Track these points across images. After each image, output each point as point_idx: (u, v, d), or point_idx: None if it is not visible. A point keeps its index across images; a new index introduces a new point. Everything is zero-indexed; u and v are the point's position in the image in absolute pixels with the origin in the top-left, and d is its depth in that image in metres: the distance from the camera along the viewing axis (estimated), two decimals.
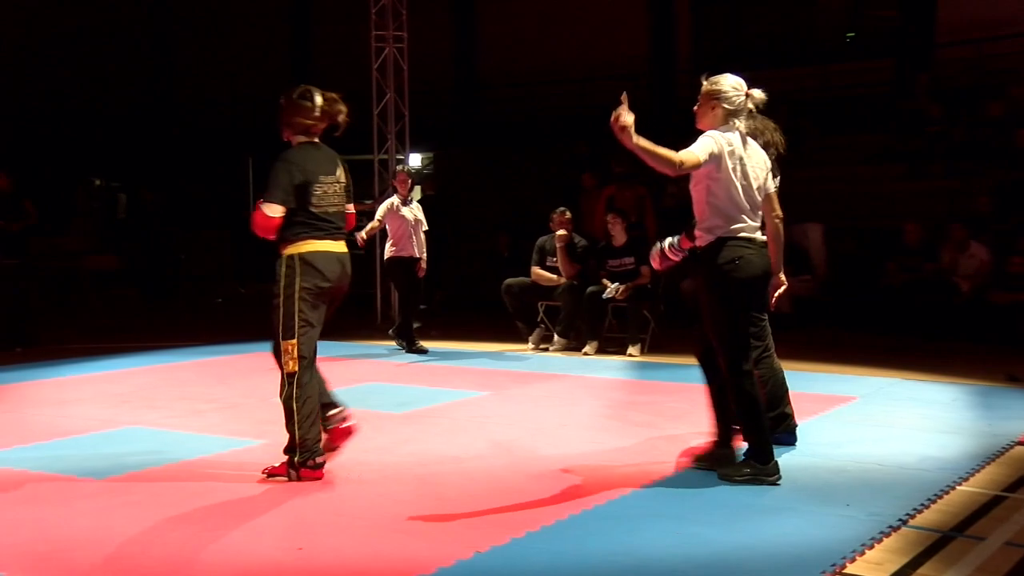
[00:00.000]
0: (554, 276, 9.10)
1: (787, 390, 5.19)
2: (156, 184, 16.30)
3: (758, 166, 4.52)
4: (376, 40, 10.98)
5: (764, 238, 4.53)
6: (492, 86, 17.46)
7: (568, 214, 9.20)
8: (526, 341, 9.18)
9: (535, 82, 16.53)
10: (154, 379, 7.38)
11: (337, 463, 4.76)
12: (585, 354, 8.77)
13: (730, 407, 4.55)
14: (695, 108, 4.59)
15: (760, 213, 4.55)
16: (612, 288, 8.81)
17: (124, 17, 20.27)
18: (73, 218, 17.47)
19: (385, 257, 9.07)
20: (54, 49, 18.87)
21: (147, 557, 3.45)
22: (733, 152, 4.38)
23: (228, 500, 4.16)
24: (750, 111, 4.56)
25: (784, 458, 4.85)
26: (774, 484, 4.32)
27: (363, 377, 7.45)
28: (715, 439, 4.71)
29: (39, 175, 17.63)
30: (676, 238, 4.99)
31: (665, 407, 6.25)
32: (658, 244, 5.11)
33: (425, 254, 8.92)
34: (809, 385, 7.01)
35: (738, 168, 4.38)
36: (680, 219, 12.82)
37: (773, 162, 4.86)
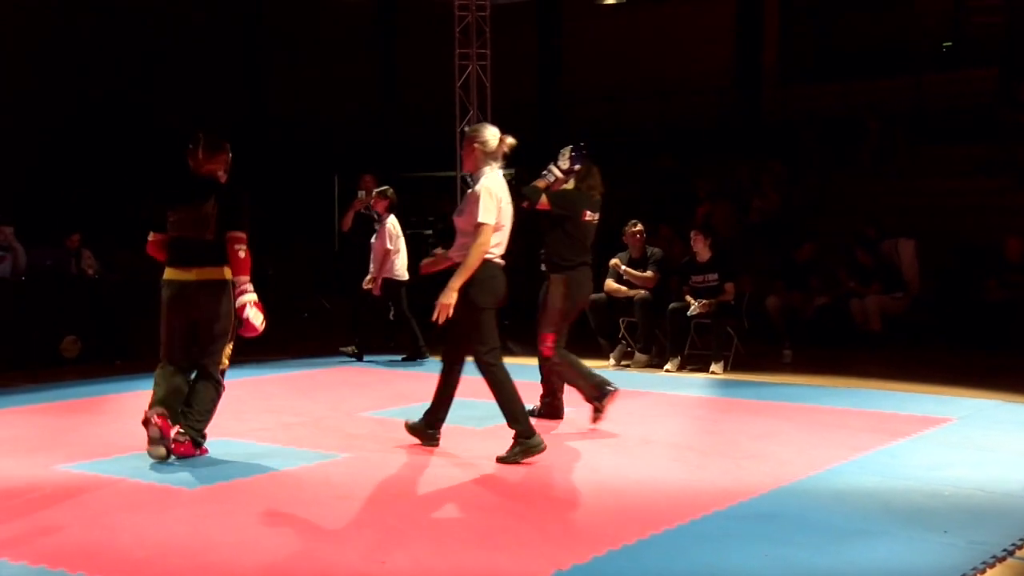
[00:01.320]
0: (625, 288, 8.99)
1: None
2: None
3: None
4: (460, 58, 11.12)
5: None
6: (576, 102, 17.47)
7: (638, 226, 9.09)
8: (608, 357, 9.12)
9: (619, 97, 16.48)
10: (243, 392, 7.56)
11: (420, 478, 4.80)
12: (667, 371, 8.66)
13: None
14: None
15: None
16: (696, 305, 8.69)
17: (218, 39, 20.99)
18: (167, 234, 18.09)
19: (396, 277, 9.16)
20: (150, 69, 19.64)
21: (238, 565, 3.53)
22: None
23: (315, 512, 4.23)
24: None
25: (876, 480, 4.71)
26: (542, 451, 5.04)
27: None
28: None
29: (134, 192, 18.34)
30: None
31: (749, 426, 6.12)
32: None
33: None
34: (901, 405, 6.79)
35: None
36: (765, 233, 12.66)
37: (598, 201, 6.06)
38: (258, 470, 4.95)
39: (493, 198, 5.10)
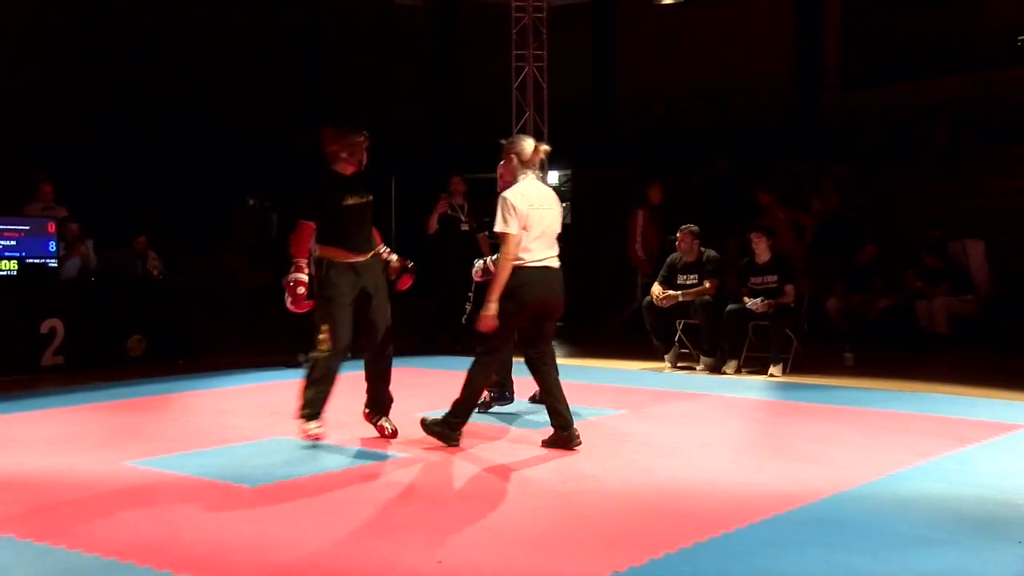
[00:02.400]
0: (673, 292, 8.82)
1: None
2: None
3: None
4: (516, 59, 11.15)
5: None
6: (631, 103, 17.38)
7: (690, 229, 8.92)
8: (662, 359, 9.05)
9: (675, 99, 16.35)
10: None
11: (477, 479, 4.82)
12: (724, 373, 8.56)
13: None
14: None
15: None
16: (757, 300, 8.56)
17: (280, 44, 21.34)
18: (229, 237, 18.47)
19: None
20: (217, 77, 20.04)
21: (298, 563, 3.59)
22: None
23: (372, 510, 4.27)
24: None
25: (943, 487, 4.59)
26: (454, 446, 5.31)
27: None
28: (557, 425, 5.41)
29: (198, 196, 18.74)
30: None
31: (808, 429, 6.02)
32: (481, 261, 6.40)
33: None
34: (969, 410, 6.62)
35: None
36: (824, 234, 12.44)
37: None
38: (316, 468, 5.02)
39: (508, 207, 5.19)
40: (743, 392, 7.57)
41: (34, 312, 8.66)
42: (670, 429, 6.08)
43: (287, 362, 8.92)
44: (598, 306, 13.26)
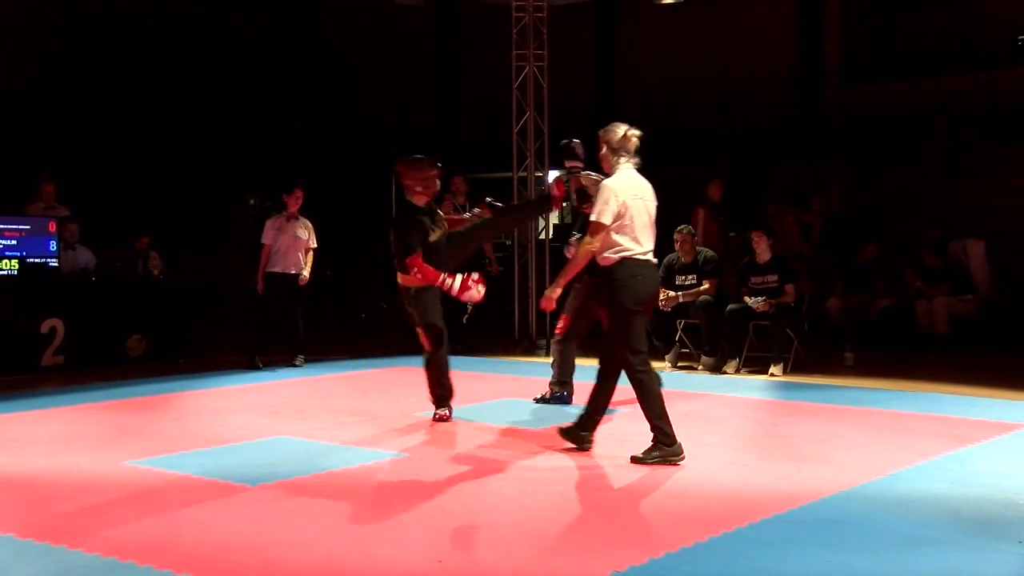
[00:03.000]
0: (671, 293, 8.84)
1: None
2: (308, 204, 17.03)
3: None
4: (517, 59, 11.13)
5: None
6: (632, 103, 17.38)
7: (688, 230, 8.96)
8: (663, 359, 9.05)
9: (676, 98, 16.34)
10: (302, 391, 7.68)
11: (478, 478, 4.82)
12: (725, 373, 8.56)
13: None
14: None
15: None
16: (758, 299, 8.56)
17: (281, 45, 21.35)
18: (230, 237, 18.47)
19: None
20: (218, 77, 20.04)
21: (298, 562, 3.59)
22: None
23: (373, 510, 4.27)
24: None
25: (944, 487, 4.59)
26: (678, 463, 4.96)
27: (500, 393, 7.53)
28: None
29: (199, 196, 18.74)
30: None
31: (809, 429, 6.02)
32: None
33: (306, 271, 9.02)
34: (970, 410, 6.62)
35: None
36: (825, 234, 12.42)
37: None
38: (316, 468, 5.01)
39: (609, 196, 4.96)
40: (744, 392, 7.57)
41: (34, 312, 8.65)
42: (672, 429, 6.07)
43: (250, 364, 8.84)
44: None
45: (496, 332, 10.99)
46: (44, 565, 3.58)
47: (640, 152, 5.19)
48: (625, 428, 6.10)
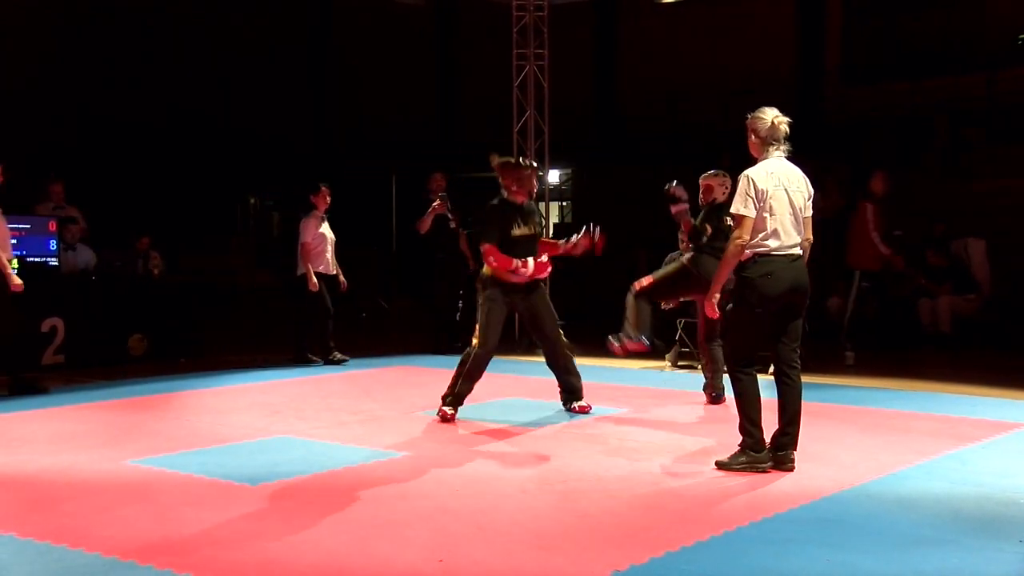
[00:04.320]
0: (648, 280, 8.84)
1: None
2: (308, 204, 17.04)
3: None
4: (517, 58, 11.13)
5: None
6: (633, 102, 17.39)
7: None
8: (663, 358, 9.04)
9: (676, 97, 16.35)
10: (303, 391, 7.68)
11: (479, 478, 4.82)
12: (725, 372, 8.54)
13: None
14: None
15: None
16: None
17: (282, 45, 21.35)
18: (231, 237, 18.49)
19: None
20: (214, 77, 20.04)
21: (299, 562, 3.59)
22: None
23: (373, 510, 4.27)
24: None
25: (945, 486, 4.59)
26: (766, 471, 4.77)
27: (501, 392, 7.52)
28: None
29: (202, 195, 18.75)
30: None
31: (809, 428, 5.99)
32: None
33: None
34: (971, 409, 6.62)
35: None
36: (825, 235, 12.36)
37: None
38: (317, 467, 5.01)
39: (751, 185, 4.76)
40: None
41: (35, 311, 8.65)
42: (671, 428, 6.08)
43: (299, 360, 8.98)
44: (598, 305, 13.24)
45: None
46: (44, 564, 3.58)
47: (789, 139, 4.98)
48: (626, 426, 6.10)
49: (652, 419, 6.41)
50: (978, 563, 3.55)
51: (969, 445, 5.45)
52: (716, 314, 4.96)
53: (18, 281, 7.27)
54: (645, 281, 6.78)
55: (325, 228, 9.16)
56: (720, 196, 6.68)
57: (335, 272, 9.18)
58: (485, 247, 6.18)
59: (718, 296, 4.92)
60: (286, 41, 21.57)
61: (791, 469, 4.86)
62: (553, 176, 16.64)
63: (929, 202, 12.05)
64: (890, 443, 5.55)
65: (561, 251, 6.46)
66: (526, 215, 6.28)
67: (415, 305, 14.27)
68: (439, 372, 8.65)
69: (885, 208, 9.81)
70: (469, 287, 10.06)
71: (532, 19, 11.04)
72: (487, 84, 15.36)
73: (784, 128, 4.92)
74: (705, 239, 6.62)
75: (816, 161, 13.39)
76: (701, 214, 6.78)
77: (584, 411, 6.44)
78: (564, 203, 19.55)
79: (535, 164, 6.54)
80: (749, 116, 5.01)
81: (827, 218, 12.53)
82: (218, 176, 19.43)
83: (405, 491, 4.56)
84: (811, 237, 4.99)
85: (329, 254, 9.14)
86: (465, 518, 4.13)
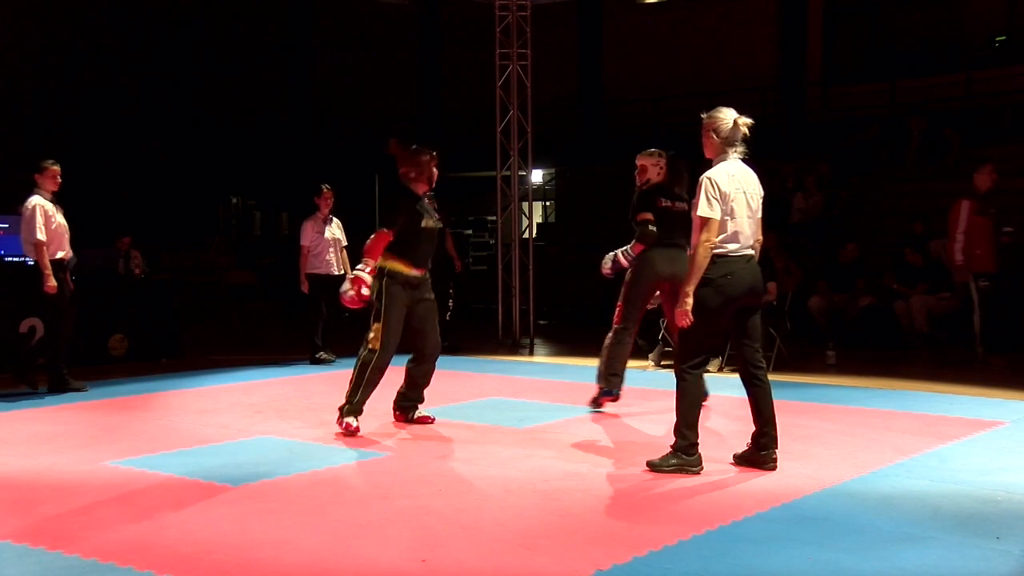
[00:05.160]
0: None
1: None
2: (289, 203, 17.01)
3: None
4: (501, 58, 11.13)
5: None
6: (617, 102, 17.42)
7: None
8: (647, 358, 9.07)
9: (660, 97, 16.39)
10: (286, 391, 7.65)
11: (461, 478, 4.82)
12: (708, 371, 8.56)
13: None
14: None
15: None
16: None
17: (263, 42, 21.26)
18: (214, 235, 18.39)
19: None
20: (196, 76, 19.93)
21: (281, 562, 3.57)
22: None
23: (356, 510, 4.26)
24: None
25: (924, 484, 4.62)
26: (697, 473, 4.78)
27: (484, 392, 7.52)
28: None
29: (183, 194, 18.65)
30: (628, 246, 6.37)
31: (791, 427, 6.04)
32: (610, 254, 6.45)
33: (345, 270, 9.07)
34: (950, 408, 6.67)
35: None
36: (806, 234, 12.43)
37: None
38: (299, 468, 5.00)
39: (715, 188, 4.72)
40: (726, 390, 7.59)
41: (13, 311, 8.57)
42: (653, 427, 6.09)
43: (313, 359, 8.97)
44: (584, 303, 13.27)
45: (479, 331, 10.98)
46: (24, 567, 3.55)
47: (748, 141, 4.91)
48: (609, 425, 6.11)
49: (634, 418, 6.43)
50: (957, 559, 3.59)
51: (948, 443, 5.50)
52: (686, 323, 4.76)
53: (52, 283, 7.29)
54: (617, 312, 6.48)
55: (330, 230, 9.17)
56: (654, 177, 6.49)
57: (340, 272, 9.07)
58: (380, 231, 5.75)
59: (690, 303, 4.73)
60: (269, 41, 21.49)
61: (774, 468, 4.88)
62: (537, 176, 16.64)
63: (910, 201, 12.15)
64: (870, 442, 5.59)
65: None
66: (433, 208, 6.03)
67: None
68: None
69: (987, 205, 9.03)
70: (457, 288, 10.10)
71: (515, 19, 11.05)
72: (470, 84, 15.35)
73: (745, 130, 4.88)
74: (652, 229, 6.30)
75: (797, 161, 13.55)
76: (635, 197, 6.52)
77: (431, 421, 6.11)
78: (548, 203, 19.58)
79: (434, 152, 6.06)
80: (706, 115, 4.96)
81: (809, 218, 12.65)
82: (200, 176, 19.33)
83: (388, 491, 4.55)
84: (762, 238, 5.01)
85: (331, 255, 9.14)
86: (448, 518, 4.13)
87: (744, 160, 4.92)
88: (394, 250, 5.82)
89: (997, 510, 4.22)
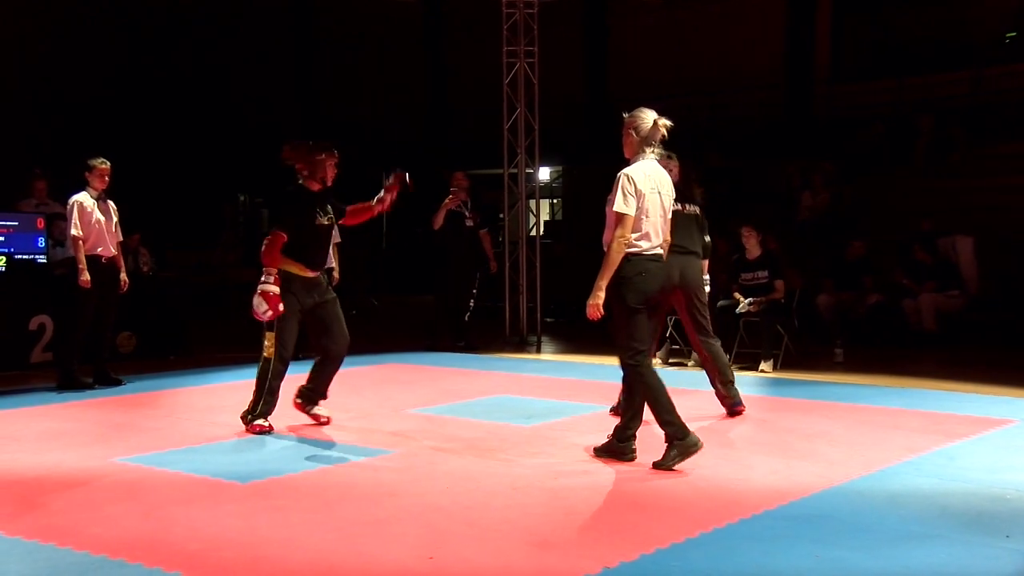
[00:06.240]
0: None
1: None
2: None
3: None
4: (507, 56, 11.12)
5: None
6: (623, 99, 17.38)
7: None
8: (655, 355, 9.06)
9: (667, 95, 16.35)
10: (293, 389, 7.65)
11: (468, 475, 4.82)
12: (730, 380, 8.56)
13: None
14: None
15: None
16: (745, 303, 8.60)
17: (268, 41, 21.28)
18: (221, 233, 18.42)
19: None
20: (202, 73, 19.97)
21: (288, 560, 3.58)
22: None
23: (363, 508, 4.27)
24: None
25: (934, 483, 4.61)
26: (700, 448, 4.83)
27: (491, 389, 7.53)
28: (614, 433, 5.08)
29: (191, 192, 18.68)
30: None
31: (799, 425, 6.04)
32: None
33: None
34: (959, 406, 6.65)
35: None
36: (814, 232, 12.42)
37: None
38: (307, 465, 5.01)
39: (632, 185, 4.82)
40: (745, 390, 7.58)
41: (23, 308, 8.60)
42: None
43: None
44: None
45: (487, 329, 10.98)
46: (33, 562, 3.56)
47: (666, 142, 5.06)
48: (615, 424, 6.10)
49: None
50: (965, 558, 3.58)
51: (957, 441, 5.48)
52: (597, 316, 4.83)
53: (86, 277, 7.38)
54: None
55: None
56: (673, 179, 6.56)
57: (332, 267, 9.06)
58: (274, 234, 5.58)
59: (602, 296, 4.80)
60: (276, 37, 21.51)
61: (633, 459, 4.98)
62: (544, 174, 16.62)
63: (917, 199, 12.11)
64: (878, 440, 5.58)
65: (376, 210, 5.95)
66: (323, 204, 5.78)
67: (418, 302, 14.25)
68: (429, 370, 8.66)
69: None
70: (481, 288, 10.09)
71: (522, 16, 11.03)
72: (477, 81, 15.34)
73: (663, 131, 5.01)
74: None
75: (804, 159, 13.51)
76: None
77: (324, 422, 6.02)
78: (555, 200, 19.56)
79: (333, 150, 5.84)
80: (627, 115, 5.06)
81: (817, 216, 12.62)
82: (208, 173, 19.36)
83: (395, 489, 4.56)
84: (669, 238, 5.11)
85: (330, 251, 9.09)
86: (456, 516, 4.13)
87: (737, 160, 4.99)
88: (287, 252, 5.63)
89: (1006, 508, 4.20)
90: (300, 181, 5.80)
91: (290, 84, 21.89)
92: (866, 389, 7.49)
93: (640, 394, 4.95)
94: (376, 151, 18.56)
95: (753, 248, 8.84)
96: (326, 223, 5.81)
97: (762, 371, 8.36)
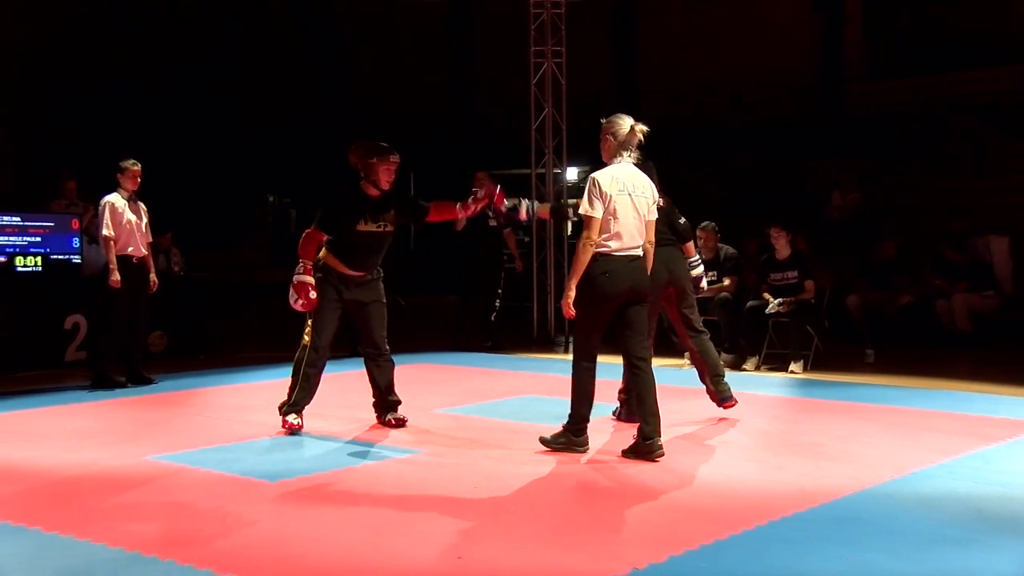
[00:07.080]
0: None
1: None
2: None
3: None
4: (535, 56, 11.12)
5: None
6: (651, 98, 17.31)
7: (711, 227, 8.89)
8: (681, 355, 9.02)
9: (695, 93, 16.28)
10: (322, 388, 7.66)
11: (496, 475, 4.83)
12: (744, 370, 8.52)
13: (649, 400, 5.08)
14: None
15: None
16: (775, 303, 8.54)
17: (297, 41, 21.42)
18: (250, 233, 18.56)
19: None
20: (230, 75, 20.13)
21: (317, 558, 3.60)
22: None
23: (392, 507, 4.28)
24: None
25: (969, 486, 4.55)
26: (584, 452, 5.09)
27: (518, 390, 7.53)
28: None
29: (218, 193, 18.84)
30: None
31: (830, 427, 5.98)
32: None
33: None
34: (994, 408, 6.56)
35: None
36: (844, 232, 12.30)
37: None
38: (335, 465, 5.04)
39: (597, 188, 4.99)
40: (763, 389, 7.54)
41: (58, 308, 8.73)
42: (690, 426, 6.06)
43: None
44: None
45: (514, 329, 10.98)
46: (69, 558, 3.61)
47: (643, 147, 5.20)
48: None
49: (670, 417, 6.37)
50: (1000, 562, 3.53)
51: (992, 444, 5.40)
52: (571, 313, 4.99)
53: (116, 277, 7.51)
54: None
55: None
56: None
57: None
58: (312, 230, 5.68)
59: (572, 295, 4.97)
60: (304, 39, 21.64)
61: (660, 457, 4.99)
62: (571, 173, 16.59)
63: (951, 198, 11.94)
64: (911, 442, 5.52)
65: (460, 214, 5.93)
66: (376, 210, 5.69)
67: (444, 302, 14.27)
68: (456, 369, 8.68)
69: None
70: (507, 288, 10.12)
71: (550, 16, 11.03)
72: (504, 81, 15.33)
73: (640, 137, 5.15)
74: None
75: (835, 158, 13.38)
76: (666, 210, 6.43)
77: (401, 423, 5.97)
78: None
79: (388, 155, 5.77)
80: (605, 120, 5.21)
81: (846, 216, 12.48)
82: (237, 174, 19.51)
83: (423, 488, 4.57)
84: (653, 240, 5.18)
85: None
86: (483, 516, 4.14)
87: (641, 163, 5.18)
88: (331, 247, 5.75)
89: None
90: (360, 183, 5.77)
91: (316, 85, 22.01)
92: (898, 390, 7.40)
93: (572, 385, 5.13)
94: (402, 151, 18.62)
95: (782, 248, 8.77)
96: (373, 229, 5.71)
97: (792, 372, 8.29)
